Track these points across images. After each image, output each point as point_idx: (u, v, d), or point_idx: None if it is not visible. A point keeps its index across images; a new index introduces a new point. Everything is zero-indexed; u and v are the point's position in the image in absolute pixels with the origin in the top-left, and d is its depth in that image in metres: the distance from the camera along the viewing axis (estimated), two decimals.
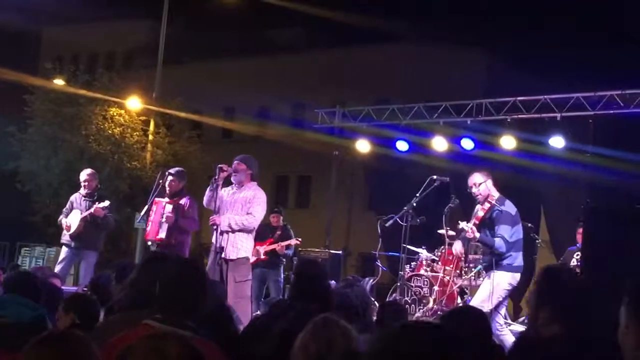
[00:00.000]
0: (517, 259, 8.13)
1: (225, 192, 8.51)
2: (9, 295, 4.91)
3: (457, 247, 8.71)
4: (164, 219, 9.29)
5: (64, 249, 10.74)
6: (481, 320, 4.01)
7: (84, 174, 10.88)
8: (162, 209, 9.40)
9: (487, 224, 8.16)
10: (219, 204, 8.37)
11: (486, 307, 7.48)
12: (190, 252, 9.65)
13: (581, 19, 22.64)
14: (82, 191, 10.77)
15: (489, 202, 8.11)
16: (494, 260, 8.07)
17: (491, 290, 7.98)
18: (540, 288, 3.18)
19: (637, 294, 2.62)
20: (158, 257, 4.33)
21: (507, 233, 8.02)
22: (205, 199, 8.56)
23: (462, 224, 8.21)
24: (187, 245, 9.44)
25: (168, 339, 2.36)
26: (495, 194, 8.21)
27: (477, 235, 8.08)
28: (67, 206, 10.85)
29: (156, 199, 9.53)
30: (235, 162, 8.53)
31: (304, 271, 4.96)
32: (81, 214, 10.55)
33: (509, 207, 8.16)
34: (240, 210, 8.34)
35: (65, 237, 10.66)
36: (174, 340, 2.36)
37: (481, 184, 8.22)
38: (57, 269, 10.09)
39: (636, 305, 2.60)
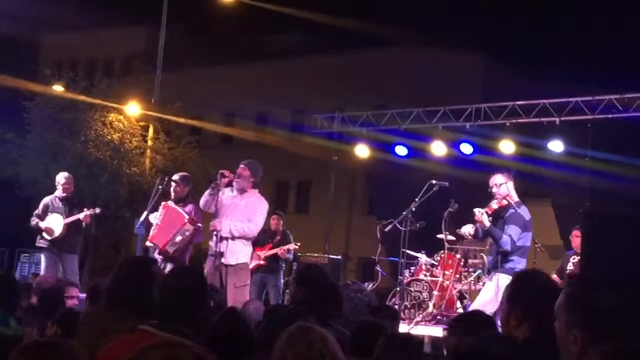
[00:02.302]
0: (520, 264, 8.12)
1: (225, 196, 8.42)
2: None
3: (467, 227, 8.67)
4: (178, 238, 8.85)
5: (43, 256, 10.58)
6: (489, 325, 4.02)
7: (62, 177, 10.68)
8: (181, 224, 8.84)
9: (500, 223, 8.17)
10: (218, 207, 8.33)
11: (489, 310, 7.47)
12: (190, 257, 9.55)
13: (580, 23, 22.67)
14: (59, 194, 10.59)
15: (507, 200, 8.13)
16: (499, 260, 8.06)
17: (495, 292, 7.97)
18: (512, 291, 3.24)
19: None
20: (131, 261, 4.30)
21: (516, 234, 8.02)
22: (202, 201, 8.47)
23: (476, 210, 8.18)
24: (188, 252, 9.32)
25: (180, 348, 2.31)
26: (515, 197, 8.23)
27: (487, 223, 8.06)
28: (40, 209, 10.58)
29: (171, 205, 9.10)
30: (241, 166, 8.47)
31: (305, 276, 4.90)
32: (63, 217, 10.38)
33: (524, 212, 8.17)
34: (240, 217, 8.30)
35: (43, 241, 10.48)
36: (185, 349, 2.31)
37: (502, 184, 8.25)
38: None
39: None
